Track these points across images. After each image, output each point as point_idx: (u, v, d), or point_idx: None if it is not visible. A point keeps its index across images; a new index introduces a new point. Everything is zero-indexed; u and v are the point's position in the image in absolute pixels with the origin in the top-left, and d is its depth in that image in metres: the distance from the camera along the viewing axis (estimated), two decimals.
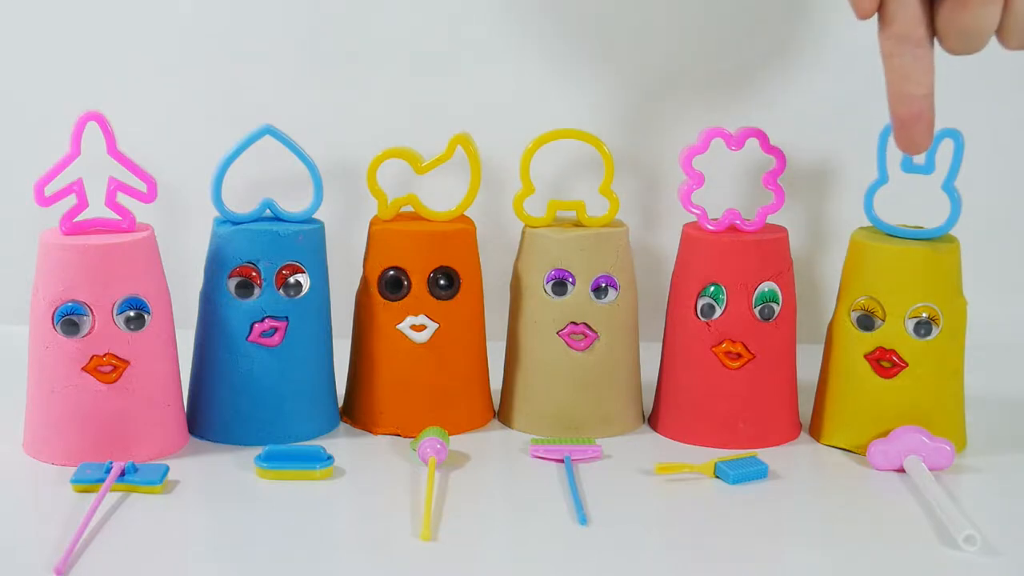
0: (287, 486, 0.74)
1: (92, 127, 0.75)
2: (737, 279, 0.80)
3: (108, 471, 0.72)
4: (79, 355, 0.74)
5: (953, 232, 0.81)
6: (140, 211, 0.78)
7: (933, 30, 0.48)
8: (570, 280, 0.81)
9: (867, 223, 0.83)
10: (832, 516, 0.72)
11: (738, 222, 0.82)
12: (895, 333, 0.79)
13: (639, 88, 1.00)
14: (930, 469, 0.75)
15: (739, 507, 0.72)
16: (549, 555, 0.66)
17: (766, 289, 0.80)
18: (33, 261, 0.75)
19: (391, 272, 0.81)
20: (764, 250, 0.81)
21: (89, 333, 0.74)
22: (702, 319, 0.81)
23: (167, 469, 0.73)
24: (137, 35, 1.00)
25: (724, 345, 0.80)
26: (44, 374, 0.75)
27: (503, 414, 0.86)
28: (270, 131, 0.79)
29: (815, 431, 0.84)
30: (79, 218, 0.76)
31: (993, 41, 0.98)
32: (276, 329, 0.79)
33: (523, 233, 0.84)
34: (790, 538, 0.69)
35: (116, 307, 0.74)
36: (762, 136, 0.81)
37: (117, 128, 0.76)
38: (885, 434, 0.78)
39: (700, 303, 0.81)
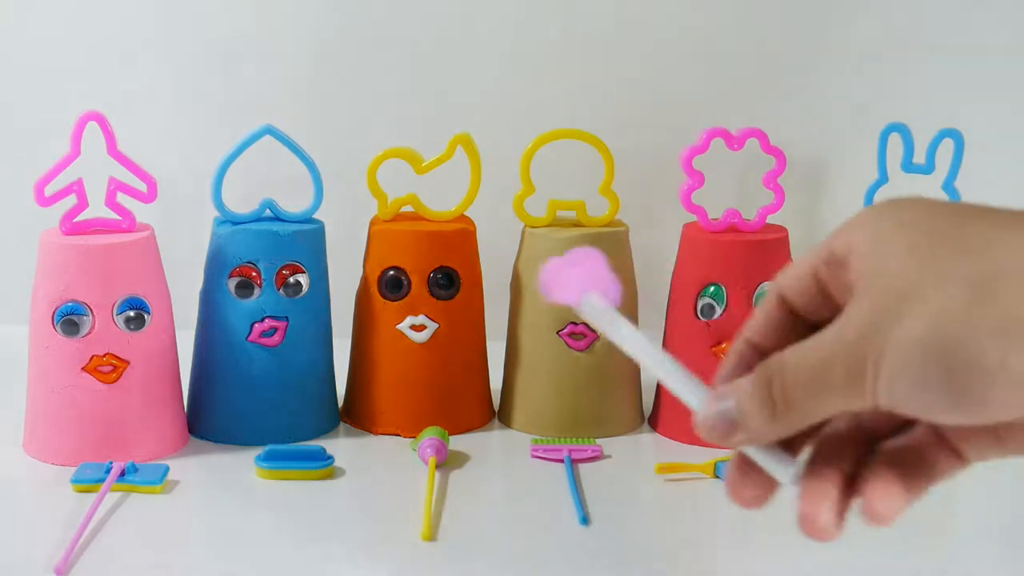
0: (287, 486, 0.74)
1: (92, 127, 0.75)
2: (737, 279, 0.80)
3: (108, 471, 0.72)
4: (79, 355, 0.74)
5: None
6: (140, 211, 0.78)
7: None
8: None
9: None
10: None
11: (738, 222, 0.82)
12: None
13: (639, 88, 1.00)
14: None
15: (739, 507, 0.72)
16: (549, 555, 0.66)
17: (766, 289, 0.80)
18: (33, 261, 0.75)
19: (391, 272, 0.81)
20: (764, 250, 0.81)
21: (89, 333, 0.74)
22: (702, 319, 0.81)
23: (167, 469, 0.73)
24: (137, 35, 1.00)
25: (724, 345, 0.80)
26: (44, 374, 0.75)
27: (503, 414, 0.86)
28: (270, 131, 0.79)
29: None
30: (79, 218, 0.76)
31: (990, 37, 0.98)
32: (276, 329, 0.79)
33: (523, 233, 0.84)
34: (790, 538, 0.69)
35: (116, 307, 0.74)
36: (762, 136, 0.81)
37: (117, 128, 0.76)
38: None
39: (700, 303, 0.81)
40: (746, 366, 0.41)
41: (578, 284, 0.44)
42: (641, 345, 0.42)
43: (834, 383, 0.36)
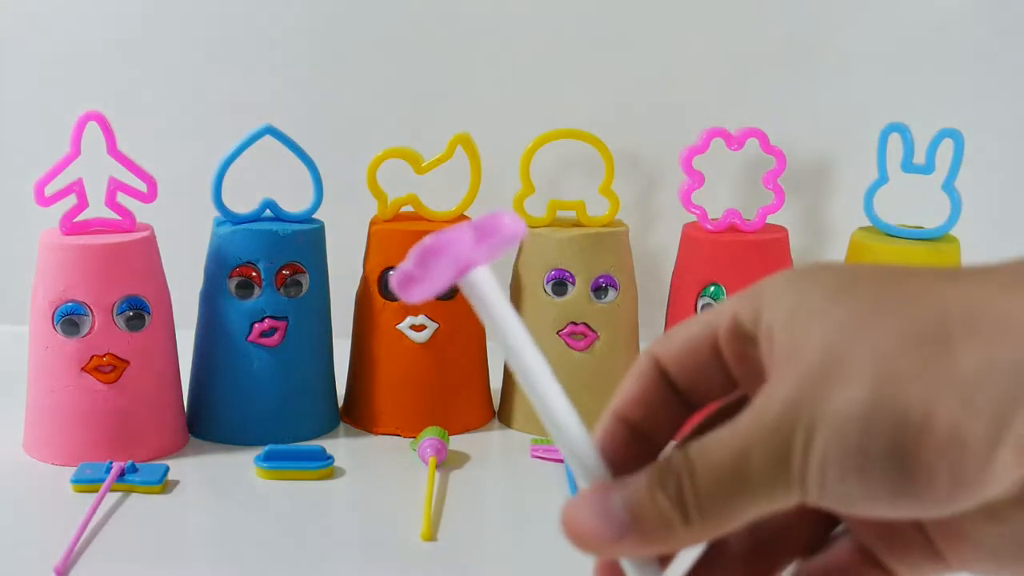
0: (287, 486, 0.74)
1: (92, 127, 0.75)
2: (737, 279, 0.80)
3: (108, 471, 0.72)
4: (79, 355, 0.74)
5: (953, 232, 0.81)
6: (140, 211, 0.78)
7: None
8: (570, 280, 0.81)
9: (867, 223, 0.83)
10: None
11: (738, 222, 0.82)
12: None
13: (639, 88, 1.00)
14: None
15: None
16: (549, 555, 0.66)
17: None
18: (33, 261, 0.75)
19: (391, 272, 0.81)
20: (764, 250, 0.81)
21: (89, 333, 0.74)
22: None
23: (167, 469, 0.73)
24: (138, 35, 1.00)
25: None
26: (44, 374, 0.75)
27: (503, 414, 0.86)
28: (270, 131, 0.79)
29: None
30: (79, 218, 0.76)
31: (990, 37, 0.98)
32: (276, 329, 0.79)
33: None
34: None
35: (116, 307, 0.74)
36: (762, 136, 0.81)
37: (117, 128, 0.76)
38: None
39: (700, 303, 0.81)
40: (623, 449, 0.34)
41: (452, 258, 0.31)
42: (526, 362, 0.33)
43: (754, 478, 0.29)
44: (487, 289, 0.32)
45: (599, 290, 0.81)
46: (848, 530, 0.34)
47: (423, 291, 0.32)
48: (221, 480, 0.75)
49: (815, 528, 0.34)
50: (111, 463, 0.72)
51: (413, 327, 0.81)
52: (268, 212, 0.81)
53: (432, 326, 0.81)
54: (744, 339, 0.32)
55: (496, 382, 0.87)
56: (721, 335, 0.33)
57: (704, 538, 0.31)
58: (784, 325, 0.31)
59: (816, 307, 0.30)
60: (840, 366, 0.29)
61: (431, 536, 0.66)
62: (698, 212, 0.82)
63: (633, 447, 0.34)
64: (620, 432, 0.34)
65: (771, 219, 0.83)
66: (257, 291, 0.79)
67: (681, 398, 0.34)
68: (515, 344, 0.33)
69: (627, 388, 0.35)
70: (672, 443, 0.34)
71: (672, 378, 0.34)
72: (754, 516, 0.30)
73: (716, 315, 0.33)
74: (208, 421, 0.81)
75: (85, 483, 0.71)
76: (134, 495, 0.71)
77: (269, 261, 0.79)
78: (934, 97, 0.98)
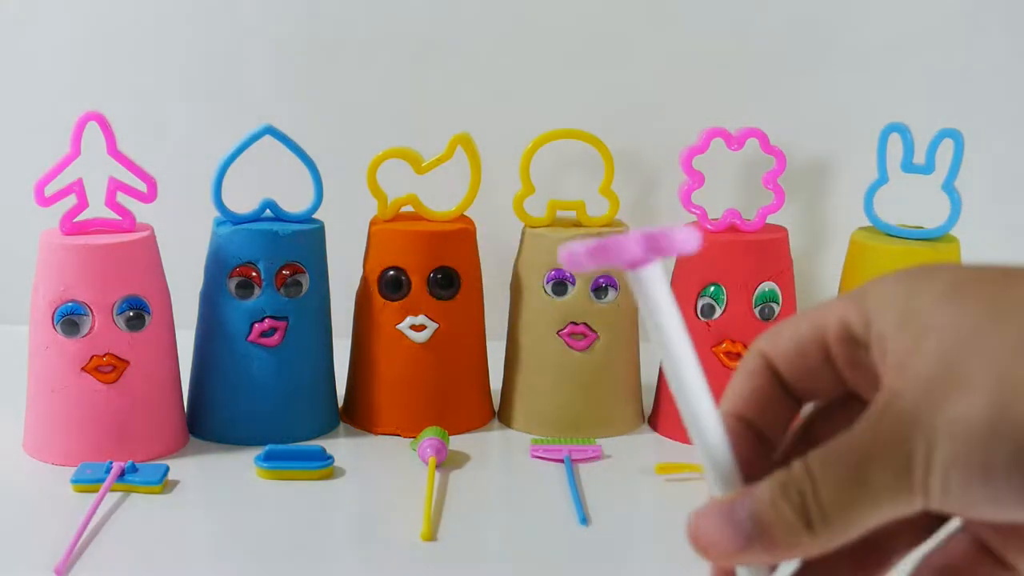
0: (287, 486, 0.74)
1: (92, 127, 0.75)
2: (737, 279, 0.80)
3: (108, 471, 0.72)
4: (79, 355, 0.74)
5: (953, 232, 0.81)
6: (140, 211, 0.78)
7: None
8: (570, 280, 0.81)
9: (867, 223, 0.83)
10: None
11: (738, 222, 0.82)
12: None
13: (639, 88, 1.00)
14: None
15: None
16: (549, 555, 0.66)
17: (766, 289, 0.80)
18: (33, 261, 0.75)
19: (391, 272, 0.81)
20: (764, 250, 0.81)
21: (89, 333, 0.74)
22: (702, 319, 0.81)
23: (167, 469, 0.73)
24: (137, 35, 1.00)
25: (724, 345, 0.80)
26: (44, 374, 0.75)
27: (503, 414, 0.86)
28: (270, 131, 0.79)
29: None
30: (79, 218, 0.76)
31: (990, 37, 0.98)
32: (276, 329, 0.79)
33: (523, 233, 0.84)
34: None
35: (116, 307, 0.74)
36: (762, 136, 0.81)
37: (117, 128, 0.76)
38: None
39: (700, 303, 0.81)
40: (743, 446, 0.35)
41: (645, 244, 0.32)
42: (680, 366, 0.34)
43: (876, 486, 0.30)
44: (655, 287, 0.33)
45: (599, 290, 0.81)
46: (965, 526, 0.34)
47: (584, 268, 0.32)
48: (221, 480, 0.75)
49: (928, 522, 0.35)
50: (111, 463, 0.72)
51: (413, 327, 0.81)
52: (268, 212, 0.81)
53: (432, 326, 0.81)
54: (855, 344, 0.33)
55: (496, 382, 0.87)
56: (831, 339, 0.33)
57: (830, 546, 0.31)
58: (896, 332, 0.31)
59: (927, 313, 0.31)
60: (958, 374, 0.29)
61: (431, 536, 0.66)
62: (698, 212, 0.82)
63: (752, 444, 0.35)
64: (739, 430, 0.35)
65: (771, 219, 0.83)
66: (257, 291, 0.79)
67: (790, 393, 0.35)
68: (674, 348, 0.34)
69: (740, 385, 0.35)
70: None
71: (781, 375, 0.35)
72: (878, 523, 0.31)
73: (823, 317, 0.34)
74: (208, 421, 0.81)
75: (85, 483, 0.71)
76: (134, 495, 0.71)
77: (269, 261, 0.79)
78: (934, 97, 0.98)
